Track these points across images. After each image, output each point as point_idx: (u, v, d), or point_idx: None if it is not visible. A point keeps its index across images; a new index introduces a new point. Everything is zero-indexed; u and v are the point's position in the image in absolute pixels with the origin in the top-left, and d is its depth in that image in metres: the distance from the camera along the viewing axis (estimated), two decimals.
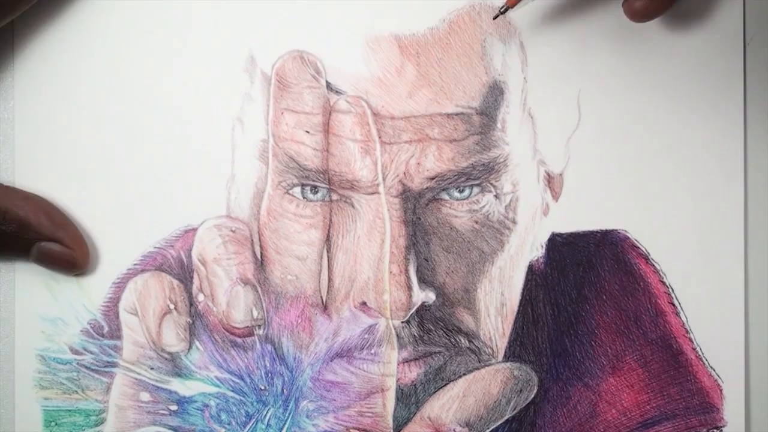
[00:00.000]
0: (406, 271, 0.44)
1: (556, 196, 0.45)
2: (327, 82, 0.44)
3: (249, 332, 0.44)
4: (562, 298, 0.45)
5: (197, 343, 0.44)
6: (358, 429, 0.44)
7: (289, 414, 0.44)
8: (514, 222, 0.45)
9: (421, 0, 0.44)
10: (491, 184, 0.44)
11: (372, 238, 0.44)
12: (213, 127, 0.44)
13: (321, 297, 0.44)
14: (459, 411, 0.44)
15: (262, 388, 0.44)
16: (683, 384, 0.45)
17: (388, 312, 0.44)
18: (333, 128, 0.44)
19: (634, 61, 0.45)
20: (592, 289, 0.45)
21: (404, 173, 0.44)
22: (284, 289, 0.44)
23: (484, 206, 0.45)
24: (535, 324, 0.45)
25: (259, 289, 0.44)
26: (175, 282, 0.44)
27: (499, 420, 0.45)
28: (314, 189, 0.44)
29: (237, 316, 0.44)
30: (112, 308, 0.44)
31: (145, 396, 0.44)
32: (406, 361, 0.44)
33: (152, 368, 0.44)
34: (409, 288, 0.44)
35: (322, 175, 0.44)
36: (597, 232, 0.45)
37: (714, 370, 0.45)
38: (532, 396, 0.45)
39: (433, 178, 0.44)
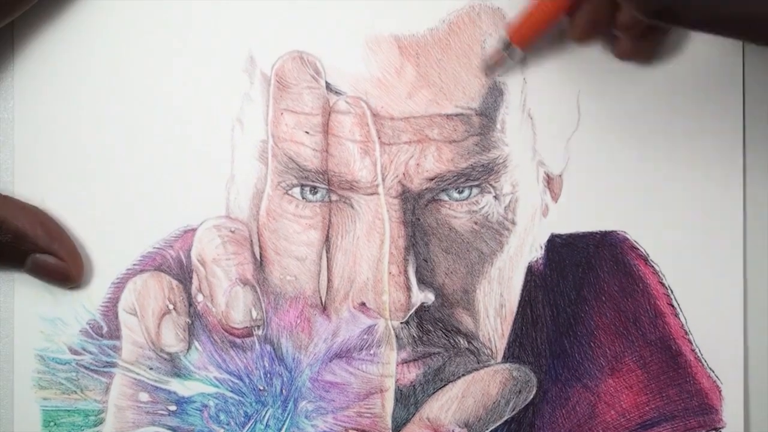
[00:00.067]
0: (405, 271, 0.44)
1: (555, 197, 0.45)
2: (326, 82, 0.44)
3: (248, 333, 0.44)
4: (561, 299, 0.45)
5: (196, 343, 0.44)
6: (357, 430, 0.44)
7: (288, 414, 0.44)
8: (513, 223, 0.45)
9: (421, 1, 0.44)
10: (491, 185, 0.44)
11: (371, 239, 0.44)
12: (213, 128, 0.44)
13: (320, 298, 0.44)
14: (458, 412, 0.44)
15: (261, 388, 0.44)
16: (682, 385, 0.45)
17: (387, 313, 0.44)
18: (332, 129, 0.44)
19: (634, 62, 0.45)
20: (591, 290, 0.45)
21: (403, 174, 0.44)
22: (283, 290, 0.44)
23: (483, 207, 0.45)
24: (534, 325, 0.45)
25: (258, 289, 0.44)
26: (174, 282, 0.44)
27: (498, 421, 0.45)
28: (313, 189, 0.44)
29: (236, 317, 0.44)
30: (111, 308, 0.44)
31: (144, 396, 0.44)
32: (405, 362, 0.44)
33: (151, 368, 0.44)
34: (408, 289, 0.44)
35: (321, 176, 0.44)
36: (596, 233, 0.45)
37: (713, 372, 0.45)
38: (531, 397, 0.45)
39: (432, 179, 0.44)
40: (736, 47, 0.45)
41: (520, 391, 0.45)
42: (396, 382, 0.44)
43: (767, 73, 0.46)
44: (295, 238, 0.44)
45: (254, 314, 0.44)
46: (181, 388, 0.44)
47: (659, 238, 0.45)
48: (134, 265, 0.44)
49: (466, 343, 0.45)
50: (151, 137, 0.44)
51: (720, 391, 0.45)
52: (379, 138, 0.44)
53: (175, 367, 0.44)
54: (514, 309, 0.45)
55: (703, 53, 0.45)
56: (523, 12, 0.42)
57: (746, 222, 0.46)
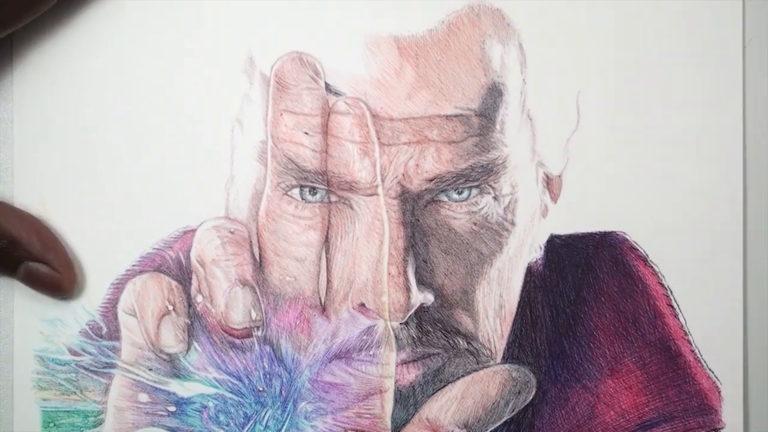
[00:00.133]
0: (405, 272, 0.44)
1: (554, 198, 0.45)
2: (326, 83, 0.44)
3: (247, 333, 0.44)
4: (560, 299, 0.45)
5: (196, 344, 0.44)
6: (357, 430, 0.44)
7: (288, 415, 0.44)
8: (512, 224, 0.45)
9: (420, 1, 0.44)
10: (490, 185, 0.44)
11: (371, 240, 0.44)
12: (212, 129, 0.44)
13: (319, 298, 0.44)
14: (457, 413, 0.44)
15: (261, 389, 0.44)
16: (682, 386, 0.45)
17: (387, 313, 0.44)
18: (332, 130, 0.43)
19: (634, 62, 0.45)
20: (590, 290, 0.45)
21: (403, 175, 0.44)
22: (283, 291, 0.44)
23: (482, 208, 0.44)
24: (534, 326, 0.45)
25: (257, 290, 0.44)
26: (174, 283, 0.44)
27: (498, 422, 0.45)
28: (313, 190, 0.44)
29: (235, 318, 0.44)
30: (110, 309, 0.44)
31: (144, 397, 0.44)
32: (405, 363, 0.44)
33: (151, 369, 0.44)
34: (408, 289, 0.44)
35: (320, 177, 0.44)
36: (596, 233, 0.45)
37: (712, 372, 0.45)
38: (531, 398, 0.45)
39: (431, 180, 0.44)
40: (737, 47, 0.45)
41: (519, 392, 0.45)
42: (395, 382, 0.44)
43: (767, 73, 0.46)
44: (295, 239, 0.44)
45: (254, 315, 0.44)
46: (180, 388, 0.44)
47: (659, 239, 0.45)
48: (133, 266, 0.44)
49: (465, 343, 0.45)
50: (151, 138, 0.44)
51: (719, 392, 0.45)
52: (378, 139, 0.44)
53: (174, 367, 0.44)
54: (514, 310, 0.45)
55: (703, 53, 0.45)
56: None
57: (746, 222, 0.46)
